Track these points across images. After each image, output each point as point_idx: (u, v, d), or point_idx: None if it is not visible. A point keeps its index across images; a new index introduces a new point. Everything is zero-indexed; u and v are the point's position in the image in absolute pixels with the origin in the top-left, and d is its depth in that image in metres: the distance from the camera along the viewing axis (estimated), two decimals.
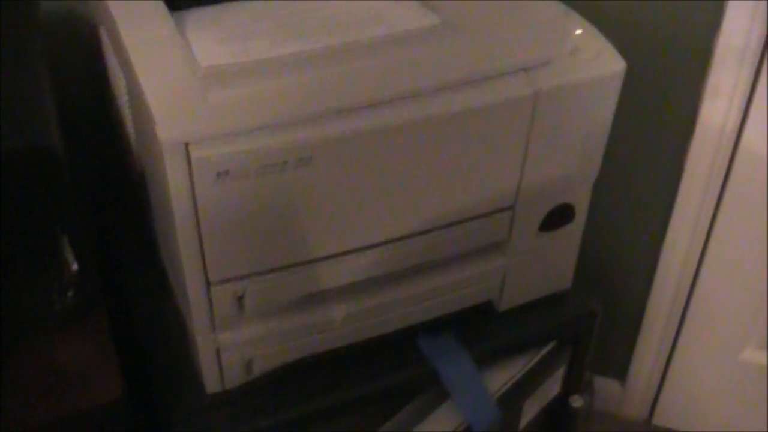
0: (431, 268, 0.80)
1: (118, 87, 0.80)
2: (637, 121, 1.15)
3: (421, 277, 0.80)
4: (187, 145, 0.61)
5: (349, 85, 0.66)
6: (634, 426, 1.46)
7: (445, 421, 0.85)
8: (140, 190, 0.85)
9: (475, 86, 0.69)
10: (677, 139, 1.15)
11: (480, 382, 0.84)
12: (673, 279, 1.27)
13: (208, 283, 0.69)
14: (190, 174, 0.62)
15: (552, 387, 0.96)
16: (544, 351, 0.91)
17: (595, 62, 0.74)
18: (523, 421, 0.93)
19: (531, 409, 0.93)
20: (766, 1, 1.00)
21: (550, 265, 0.87)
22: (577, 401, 0.96)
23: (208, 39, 0.75)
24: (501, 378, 0.88)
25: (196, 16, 0.79)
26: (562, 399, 0.98)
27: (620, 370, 1.42)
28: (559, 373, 0.95)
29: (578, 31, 0.75)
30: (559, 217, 0.82)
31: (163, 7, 0.74)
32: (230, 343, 0.74)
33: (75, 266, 0.69)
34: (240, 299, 0.71)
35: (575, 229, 0.85)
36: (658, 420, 1.45)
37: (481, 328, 0.87)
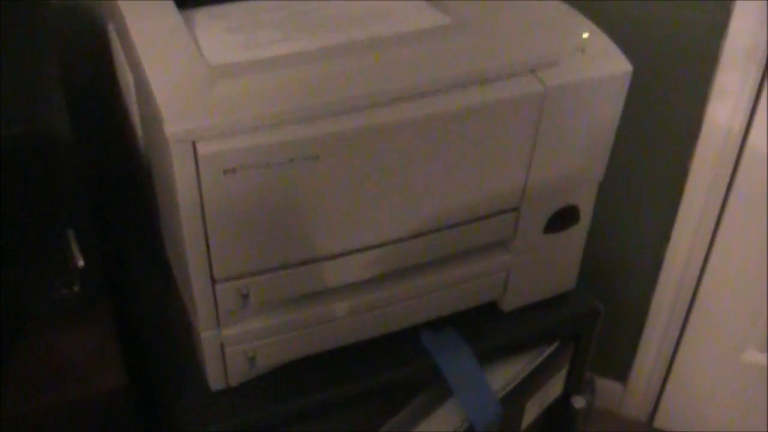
0: (435, 269, 0.80)
1: (126, 84, 0.80)
2: (643, 122, 1.15)
3: (424, 278, 0.80)
4: (194, 141, 0.61)
5: (357, 83, 0.66)
6: (635, 427, 1.46)
7: (447, 420, 0.85)
8: (146, 186, 0.85)
9: (483, 85, 0.69)
10: (683, 140, 1.15)
11: (483, 379, 0.84)
12: (676, 281, 1.27)
13: (213, 281, 0.69)
14: (197, 171, 0.62)
15: (554, 387, 0.96)
16: (547, 352, 0.91)
17: (602, 63, 0.74)
18: (525, 422, 0.93)
19: (533, 410, 0.94)
20: None
21: (554, 266, 0.87)
22: (579, 402, 0.96)
23: (216, 37, 0.75)
24: (504, 378, 0.88)
25: (204, 14, 0.79)
26: (564, 399, 0.98)
27: (622, 372, 1.43)
28: (562, 374, 0.95)
29: (585, 34, 0.75)
30: (564, 218, 0.82)
31: (171, 5, 0.75)
32: (234, 341, 0.74)
33: (81, 262, 0.69)
34: (245, 297, 0.71)
35: (580, 230, 0.85)
36: (659, 421, 1.45)
37: (484, 326, 0.87)
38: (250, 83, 0.65)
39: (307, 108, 0.64)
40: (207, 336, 0.73)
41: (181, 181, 0.62)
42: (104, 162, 1.07)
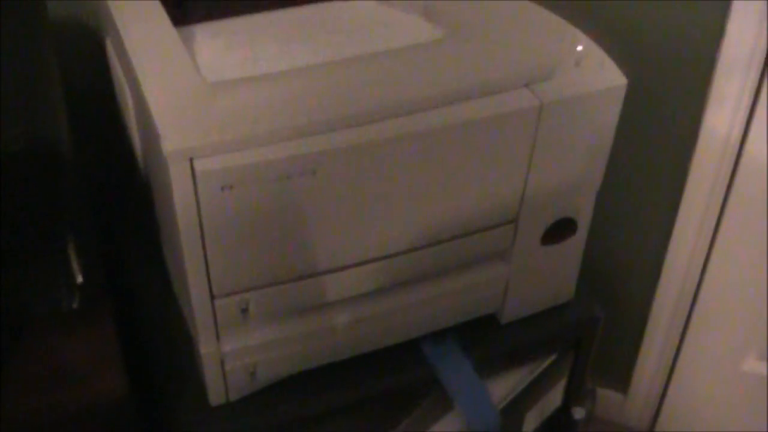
0: (433, 282, 0.80)
1: (124, 99, 0.80)
2: (642, 129, 1.16)
3: (423, 291, 0.80)
4: (192, 158, 0.61)
5: (353, 99, 0.67)
6: None
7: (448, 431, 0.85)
8: (146, 199, 0.86)
9: (479, 100, 0.70)
10: (681, 147, 1.16)
11: (483, 390, 0.84)
12: (675, 289, 1.27)
13: (212, 296, 0.69)
14: (195, 187, 0.62)
15: (554, 398, 0.96)
16: (546, 362, 0.91)
17: (597, 76, 0.74)
18: None
19: (533, 421, 0.94)
20: None
21: (552, 277, 0.87)
22: (578, 413, 0.96)
23: (213, 53, 0.75)
24: (504, 389, 0.88)
25: (200, 31, 0.80)
26: (563, 410, 0.98)
27: (622, 381, 1.42)
28: (561, 384, 0.95)
29: (579, 47, 0.76)
30: (561, 229, 0.82)
31: (168, 22, 0.75)
32: (234, 356, 0.74)
33: (80, 279, 0.69)
34: (244, 311, 0.71)
35: (577, 241, 0.86)
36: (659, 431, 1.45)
37: (483, 336, 0.87)
38: (246, 100, 0.66)
39: (304, 124, 0.64)
40: (207, 352, 0.73)
41: (179, 198, 0.63)
42: (105, 172, 1.07)
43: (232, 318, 0.71)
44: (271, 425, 0.78)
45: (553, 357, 0.91)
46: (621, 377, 1.42)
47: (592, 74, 0.74)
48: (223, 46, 0.77)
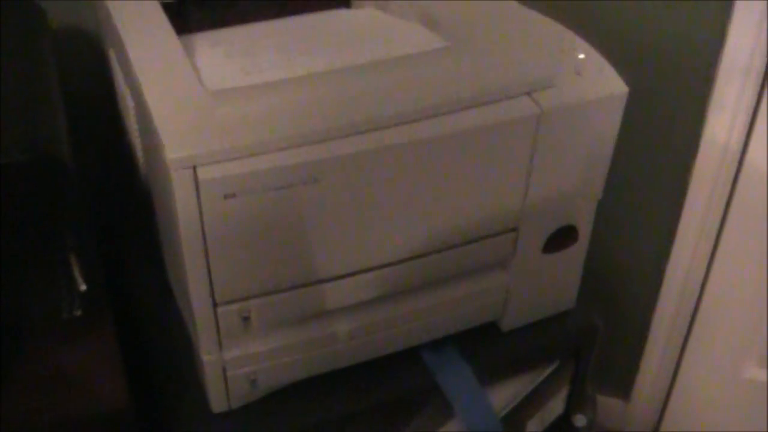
0: (435, 290, 0.80)
1: (126, 108, 0.80)
2: (643, 137, 1.16)
3: (424, 299, 0.80)
4: (194, 167, 0.61)
5: (355, 107, 0.67)
6: None
7: None
8: (148, 208, 0.86)
9: (480, 108, 0.70)
10: (682, 155, 1.16)
11: (484, 398, 0.84)
12: (677, 296, 1.27)
13: (214, 304, 0.69)
14: (198, 196, 0.62)
15: (555, 406, 0.96)
16: (547, 370, 0.91)
17: (598, 84, 0.74)
18: None
19: (534, 429, 0.93)
20: None
21: (553, 285, 0.88)
22: (580, 421, 0.96)
23: (215, 62, 0.76)
24: (505, 397, 0.88)
25: (204, 39, 0.80)
26: (565, 418, 0.98)
27: (624, 389, 1.42)
28: (563, 393, 0.95)
29: (581, 55, 0.76)
30: (562, 237, 0.83)
31: (171, 31, 0.75)
32: (236, 364, 0.74)
33: (83, 287, 0.69)
34: (246, 319, 0.71)
35: (579, 250, 0.86)
36: None
37: (484, 345, 0.87)
38: (249, 108, 0.66)
39: (307, 132, 0.64)
40: (209, 360, 0.73)
41: (181, 206, 0.63)
42: (104, 179, 1.07)
43: (233, 326, 0.71)
44: None
45: (554, 365, 0.91)
46: (623, 384, 1.42)
47: (593, 82, 0.74)
48: (224, 55, 0.77)
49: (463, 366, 0.84)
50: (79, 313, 0.73)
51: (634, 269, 1.29)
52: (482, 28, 0.78)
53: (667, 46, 1.08)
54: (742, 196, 1.15)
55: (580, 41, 0.78)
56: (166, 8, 0.79)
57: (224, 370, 0.74)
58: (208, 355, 0.73)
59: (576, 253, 0.86)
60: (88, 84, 1.01)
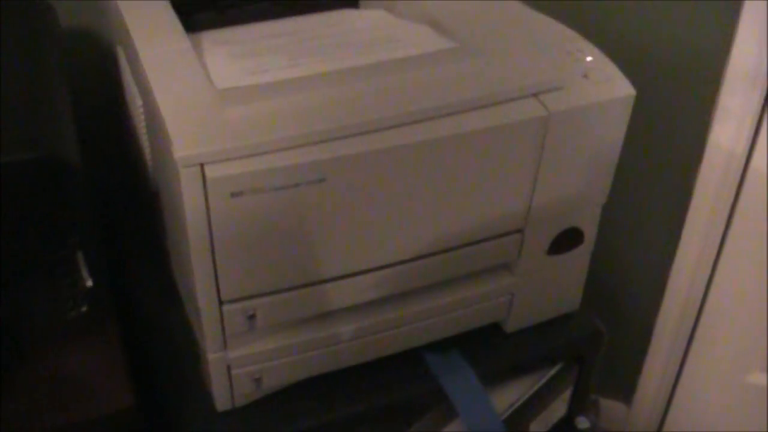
0: (440, 290, 0.80)
1: (134, 107, 0.81)
2: (647, 144, 1.16)
3: (429, 299, 0.80)
4: (202, 165, 0.62)
5: (363, 107, 0.67)
6: None
7: None
8: (154, 207, 0.86)
9: (487, 109, 0.70)
10: (687, 162, 1.16)
11: (486, 400, 0.84)
12: (680, 301, 1.27)
13: (220, 302, 0.69)
14: (205, 194, 0.62)
15: (558, 409, 0.96)
16: (550, 373, 0.91)
17: (605, 87, 0.74)
18: None
19: (536, 431, 0.93)
20: None
21: (558, 287, 0.88)
22: (583, 423, 0.96)
23: (224, 60, 0.76)
24: (508, 399, 0.88)
25: (212, 38, 0.80)
26: (568, 421, 0.98)
27: (627, 393, 1.42)
28: (566, 395, 0.95)
29: (588, 58, 0.76)
30: (567, 240, 0.83)
31: (180, 28, 0.76)
32: (241, 363, 0.75)
33: (89, 282, 0.69)
34: (251, 318, 0.72)
35: (584, 252, 0.86)
36: None
37: (487, 347, 0.87)
38: (257, 107, 0.66)
39: (315, 132, 0.65)
40: (214, 358, 0.73)
41: (189, 204, 0.63)
42: (109, 178, 1.07)
43: (239, 324, 0.72)
44: None
45: (557, 367, 0.91)
46: (625, 388, 1.42)
47: (600, 84, 0.74)
48: (232, 54, 0.77)
49: (465, 367, 0.84)
50: (84, 309, 0.74)
51: (638, 273, 1.29)
52: (489, 29, 0.79)
53: (673, 51, 1.08)
54: (746, 202, 1.15)
55: (587, 44, 0.79)
56: (176, 7, 0.80)
57: (229, 368, 0.75)
58: (213, 354, 0.73)
59: (581, 256, 0.86)
60: (96, 82, 1.02)
